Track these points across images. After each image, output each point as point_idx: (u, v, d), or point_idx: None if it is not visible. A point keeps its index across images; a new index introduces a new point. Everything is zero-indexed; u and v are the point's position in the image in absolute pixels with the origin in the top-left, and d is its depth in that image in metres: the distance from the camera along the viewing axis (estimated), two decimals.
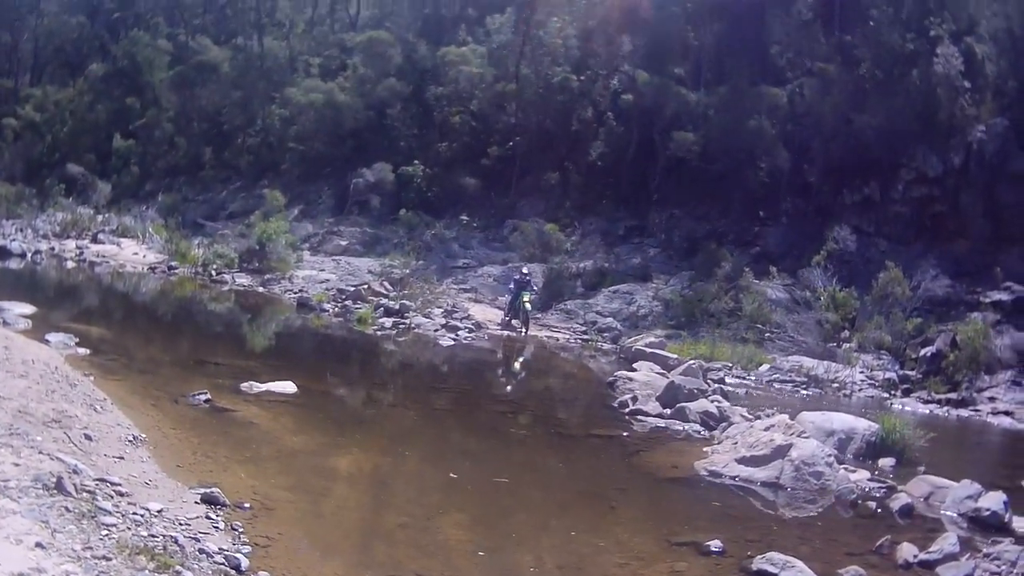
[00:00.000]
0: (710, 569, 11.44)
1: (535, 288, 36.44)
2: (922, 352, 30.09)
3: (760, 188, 45.94)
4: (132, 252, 45.86)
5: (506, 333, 33.91)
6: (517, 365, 29.89)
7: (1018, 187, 38.83)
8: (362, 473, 14.06)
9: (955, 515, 14.42)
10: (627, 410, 21.06)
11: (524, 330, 33.93)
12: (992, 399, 26.94)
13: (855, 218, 41.80)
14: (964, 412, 26.11)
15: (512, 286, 35.44)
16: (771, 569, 11.15)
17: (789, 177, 45.55)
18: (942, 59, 40.90)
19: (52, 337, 19.63)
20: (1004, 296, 34.65)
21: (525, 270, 36.32)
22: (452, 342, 30.81)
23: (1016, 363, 28.57)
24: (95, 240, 48.04)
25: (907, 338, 31.79)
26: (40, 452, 10.67)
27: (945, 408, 26.37)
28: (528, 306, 34.06)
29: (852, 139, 42.71)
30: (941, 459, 18.37)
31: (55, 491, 9.31)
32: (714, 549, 11.90)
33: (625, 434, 19.10)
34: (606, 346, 33.68)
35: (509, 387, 26.08)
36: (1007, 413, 25.79)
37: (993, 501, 14.20)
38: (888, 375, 29.32)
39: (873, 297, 33.60)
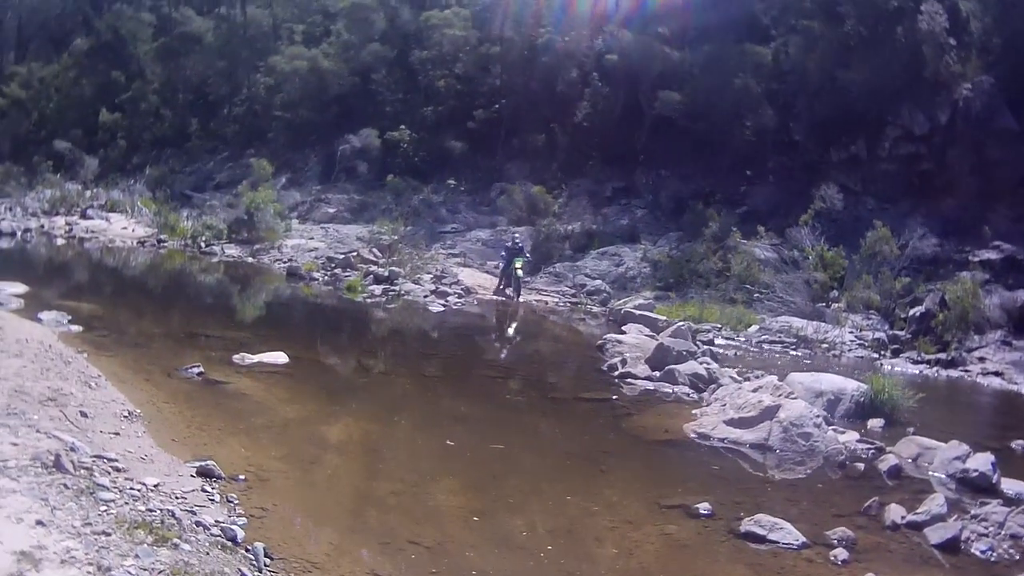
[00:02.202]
0: (699, 531, 11.55)
1: (528, 254, 36.03)
2: (911, 312, 30.09)
3: (746, 147, 46.03)
4: (121, 227, 45.81)
5: (497, 298, 33.88)
6: (507, 330, 29.96)
7: (1005, 144, 38.89)
8: (354, 441, 14.18)
9: (943, 476, 14.50)
10: (616, 373, 21.16)
11: (516, 297, 33.69)
12: (982, 359, 26.95)
13: (842, 176, 41.85)
14: (954, 372, 26.13)
15: (504, 254, 35.14)
16: (759, 531, 11.29)
17: (775, 135, 45.63)
18: (927, 16, 40.80)
19: (45, 315, 19.66)
20: (993, 255, 34.74)
21: (517, 236, 36.10)
22: (442, 308, 30.95)
23: (1005, 323, 28.58)
24: (84, 216, 47.89)
25: (896, 297, 31.84)
26: (37, 431, 10.77)
27: (935, 368, 26.39)
28: (519, 272, 33.67)
29: (837, 96, 42.69)
30: (930, 420, 18.46)
31: (53, 469, 9.40)
32: (703, 511, 12.02)
33: (615, 397, 19.20)
34: (595, 309, 33.80)
35: (499, 352, 26.17)
36: (997, 373, 25.82)
37: (981, 462, 14.26)
38: (877, 335, 29.41)
39: (861, 256, 33.69)
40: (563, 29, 55.26)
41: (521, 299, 33.80)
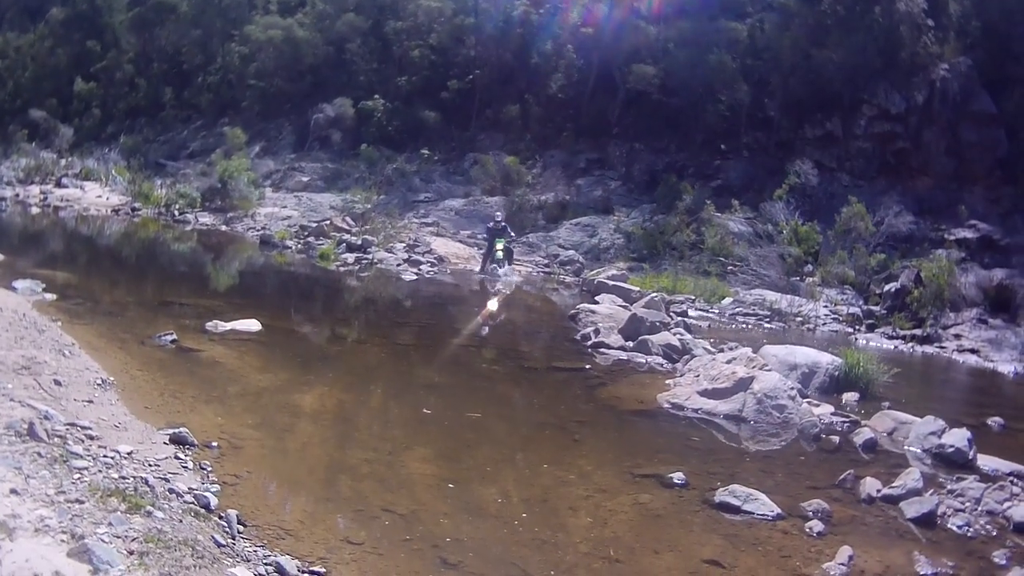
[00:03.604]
0: (673, 501, 11.53)
1: (512, 234, 35.30)
2: (886, 288, 30.22)
3: (720, 122, 46.27)
4: (96, 195, 45.94)
5: (478, 276, 33.37)
6: (480, 299, 29.83)
7: (981, 126, 39.38)
8: (327, 409, 14.12)
9: (919, 451, 14.53)
10: (590, 343, 21.25)
11: (499, 278, 32.36)
12: (958, 336, 27.04)
13: (817, 153, 42.18)
14: (929, 349, 26.26)
15: (486, 235, 34.58)
16: (734, 501, 11.29)
17: (749, 111, 45.86)
18: None
19: (19, 284, 19.57)
20: (969, 233, 35.07)
21: (499, 216, 35.17)
22: (415, 277, 31.12)
23: (981, 301, 28.76)
24: (59, 185, 48.04)
25: (871, 273, 32.02)
26: (11, 399, 10.73)
27: (910, 344, 26.52)
28: (500, 254, 32.87)
29: (812, 74, 42.92)
30: (906, 395, 18.53)
31: (27, 437, 9.37)
32: (677, 481, 12.03)
33: (588, 367, 19.24)
34: (568, 279, 33.89)
35: (472, 321, 26.10)
36: (973, 351, 25.91)
37: (957, 438, 14.25)
38: (852, 310, 29.54)
39: (836, 231, 33.86)
40: (538, 2, 55.17)
41: (505, 281, 32.36)
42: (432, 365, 18.86)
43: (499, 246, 32.86)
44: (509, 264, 33.09)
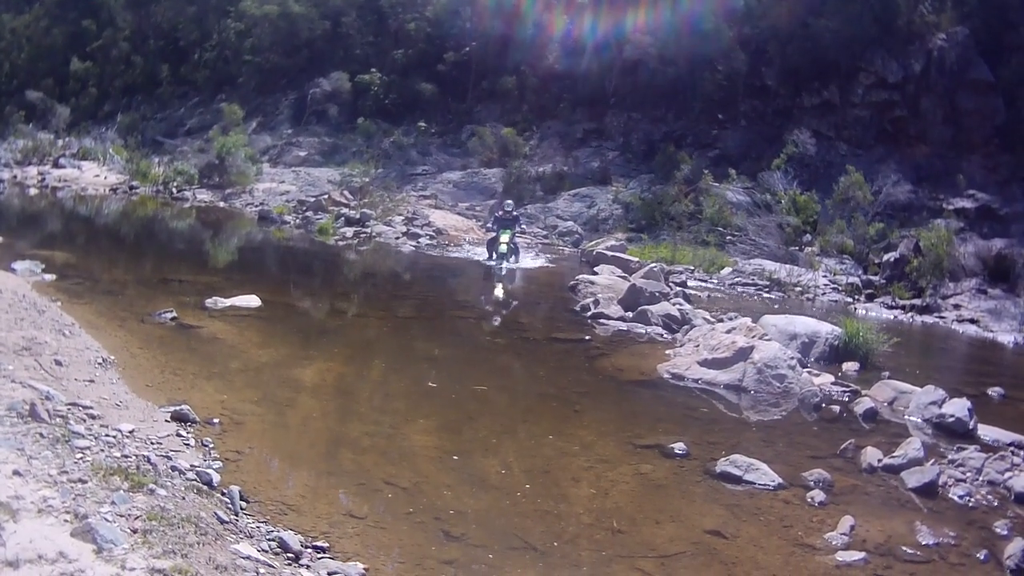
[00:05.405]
0: (674, 471, 11.56)
1: (523, 225, 34.72)
2: (885, 257, 30.22)
3: (718, 91, 46.17)
4: (93, 175, 45.86)
5: (486, 263, 30.95)
6: (479, 270, 29.74)
7: (978, 95, 39.37)
8: (328, 384, 14.12)
9: (919, 420, 14.59)
10: (589, 314, 21.31)
11: (502, 271, 29.40)
12: (957, 306, 27.05)
13: (814, 121, 42.18)
14: (929, 318, 26.31)
15: (492, 224, 31.65)
16: (735, 471, 11.31)
17: (747, 80, 45.77)
18: None
19: (18, 265, 19.50)
20: (968, 203, 35.11)
21: (509, 207, 32.01)
22: (413, 249, 31.14)
23: (981, 271, 28.71)
24: (56, 165, 47.77)
25: (869, 243, 31.99)
26: (12, 380, 10.71)
27: (909, 314, 26.55)
28: (504, 248, 30.13)
29: (809, 43, 42.84)
30: (906, 364, 18.65)
31: (29, 418, 9.35)
32: (678, 451, 12.07)
33: (588, 338, 19.29)
34: (567, 250, 33.86)
35: (472, 293, 26.10)
36: (972, 321, 25.95)
37: (957, 408, 14.33)
38: (851, 279, 29.53)
39: (834, 201, 33.86)
40: None
41: (510, 267, 30.13)
42: (432, 338, 18.87)
43: (504, 238, 30.29)
44: (516, 259, 30.70)
